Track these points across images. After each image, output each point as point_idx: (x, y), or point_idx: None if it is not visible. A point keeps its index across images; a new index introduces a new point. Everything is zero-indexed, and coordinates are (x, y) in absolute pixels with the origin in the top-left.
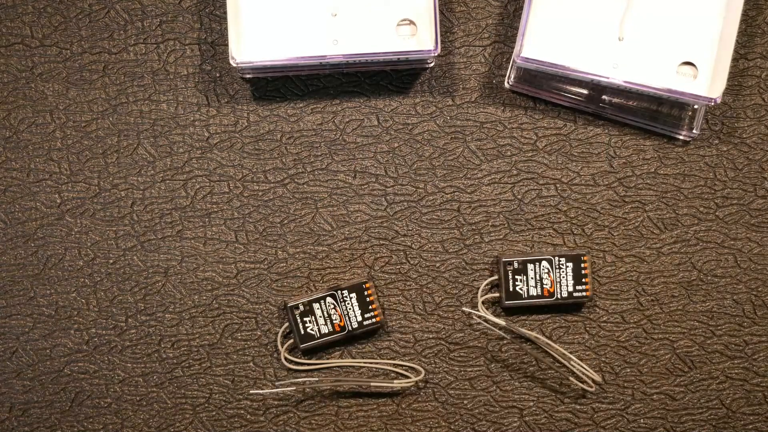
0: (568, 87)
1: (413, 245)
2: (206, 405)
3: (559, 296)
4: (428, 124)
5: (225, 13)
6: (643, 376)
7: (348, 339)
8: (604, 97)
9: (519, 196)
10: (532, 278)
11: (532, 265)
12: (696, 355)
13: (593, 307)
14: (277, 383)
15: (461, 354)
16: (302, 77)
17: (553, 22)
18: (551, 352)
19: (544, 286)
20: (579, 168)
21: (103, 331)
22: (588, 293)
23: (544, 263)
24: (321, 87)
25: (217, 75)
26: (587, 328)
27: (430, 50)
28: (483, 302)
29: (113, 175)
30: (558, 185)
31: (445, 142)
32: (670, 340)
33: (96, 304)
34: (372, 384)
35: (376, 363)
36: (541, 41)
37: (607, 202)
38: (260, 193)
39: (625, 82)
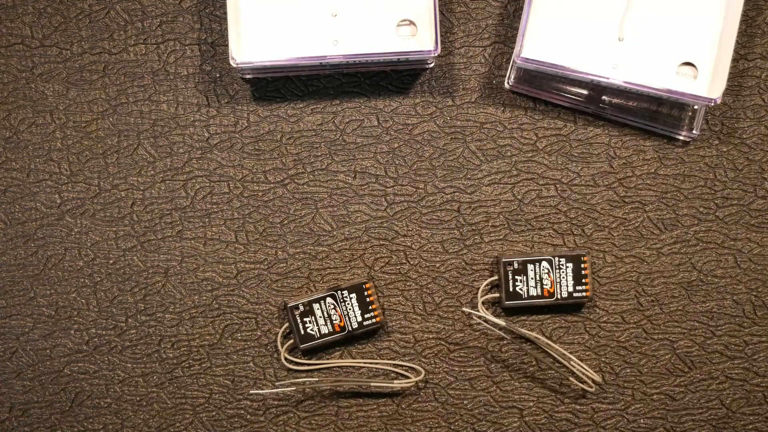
0: (568, 87)
1: (413, 245)
2: (206, 405)
3: (559, 296)
4: (428, 125)
5: (225, 13)
6: (643, 377)
7: (348, 339)
8: (604, 97)
9: (519, 197)
10: (532, 278)
11: (532, 266)
12: (696, 356)
13: (593, 308)
14: (277, 383)
15: (461, 354)
16: (302, 77)
17: (553, 23)
18: (551, 353)
19: (544, 286)
20: (579, 168)
21: (103, 332)
22: (588, 293)
23: (544, 263)
24: (321, 87)
25: (217, 75)
26: (587, 329)
27: (430, 50)
28: (483, 302)
29: (113, 175)
30: (558, 186)
31: (445, 142)
32: (670, 340)
33: (96, 305)
34: (372, 384)
35: (376, 363)
36: (541, 42)
37: (607, 203)
38: (260, 194)
39: (625, 82)
